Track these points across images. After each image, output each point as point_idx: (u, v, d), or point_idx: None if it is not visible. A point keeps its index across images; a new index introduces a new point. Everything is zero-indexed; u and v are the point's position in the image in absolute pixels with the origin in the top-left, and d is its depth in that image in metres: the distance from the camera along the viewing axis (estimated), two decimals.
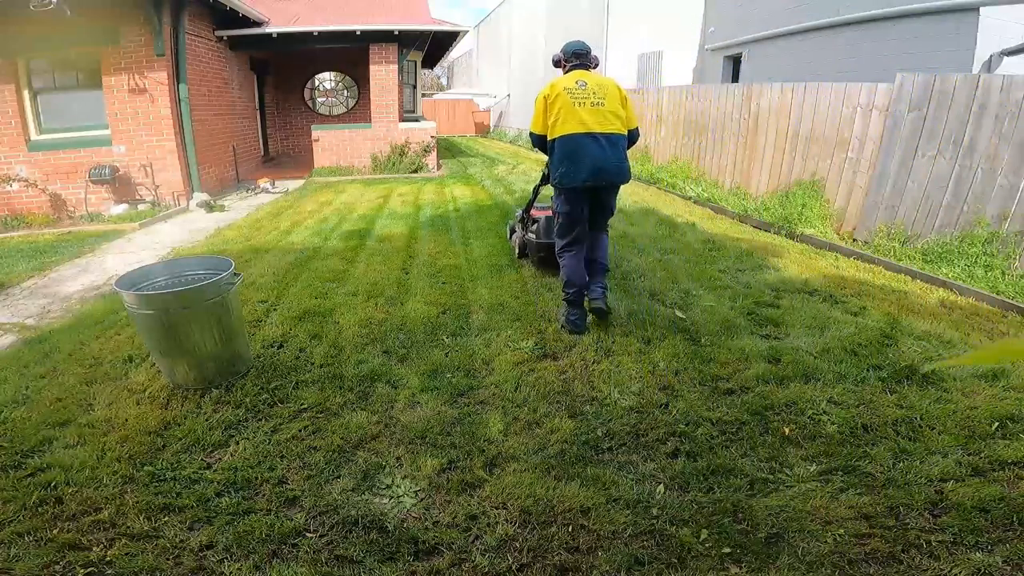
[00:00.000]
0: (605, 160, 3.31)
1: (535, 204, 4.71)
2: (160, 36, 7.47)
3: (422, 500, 2.12)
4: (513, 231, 5.22)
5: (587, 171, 3.30)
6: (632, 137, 3.55)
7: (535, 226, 4.56)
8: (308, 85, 14.09)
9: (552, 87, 3.41)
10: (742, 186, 7.72)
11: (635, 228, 6.26)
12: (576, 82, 3.38)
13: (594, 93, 3.36)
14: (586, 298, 3.56)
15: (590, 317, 3.60)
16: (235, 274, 2.92)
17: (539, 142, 3.56)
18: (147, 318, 2.71)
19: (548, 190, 3.81)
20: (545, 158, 3.64)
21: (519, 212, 4.98)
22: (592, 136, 3.30)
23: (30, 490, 2.13)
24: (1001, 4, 6.28)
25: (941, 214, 4.91)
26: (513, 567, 1.81)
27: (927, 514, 1.98)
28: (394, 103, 10.92)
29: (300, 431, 2.53)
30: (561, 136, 3.35)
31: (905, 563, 1.79)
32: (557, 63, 3.64)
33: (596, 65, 3.61)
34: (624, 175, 3.44)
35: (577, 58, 3.54)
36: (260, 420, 2.62)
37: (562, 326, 3.56)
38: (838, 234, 5.90)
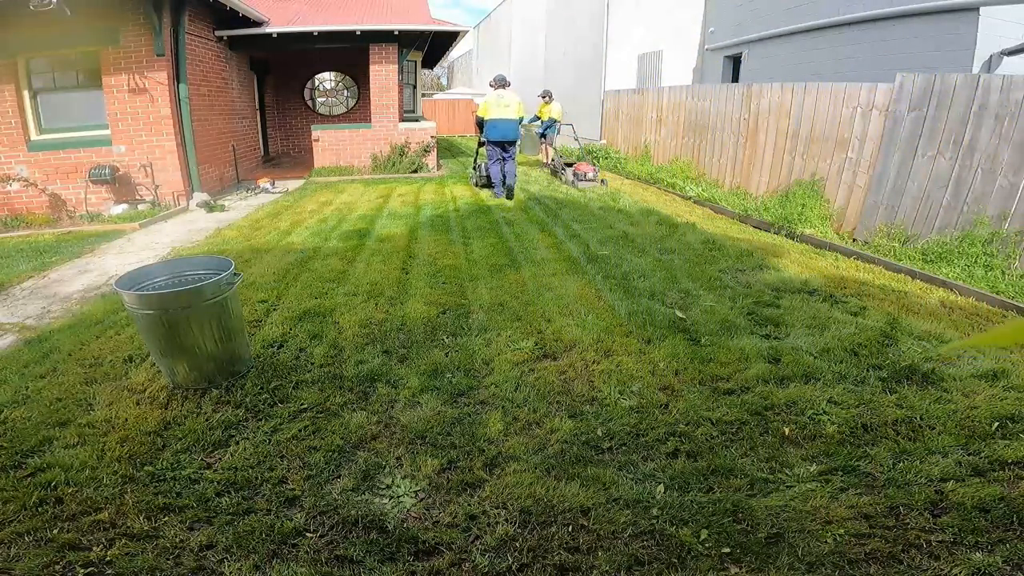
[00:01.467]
0: (507, 129, 7.89)
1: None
2: (160, 36, 7.47)
3: (422, 500, 2.12)
4: (471, 177, 9.77)
5: (499, 134, 7.88)
6: (520, 120, 8.09)
7: (481, 169, 9.09)
8: (308, 85, 14.08)
9: (488, 98, 7.89)
10: (742, 186, 7.72)
11: (635, 228, 6.26)
12: (498, 95, 7.86)
13: (506, 102, 7.84)
14: (504, 192, 8.18)
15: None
16: (235, 274, 2.92)
17: (480, 122, 8.07)
18: (147, 318, 2.71)
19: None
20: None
21: (472, 167, 9.78)
22: (502, 119, 7.84)
23: (30, 490, 2.13)
24: (1001, 4, 6.28)
25: (941, 214, 4.91)
26: (513, 567, 1.81)
27: (927, 514, 1.98)
28: (394, 103, 10.91)
29: (300, 431, 2.53)
30: (490, 119, 7.88)
31: (905, 563, 1.79)
32: (492, 85, 8.04)
33: (509, 84, 8.08)
34: (514, 136, 8.02)
35: (500, 83, 7.97)
36: (260, 420, 2.62)
37: (494, 195, 8.30)
38: (838, 234, 5.90)
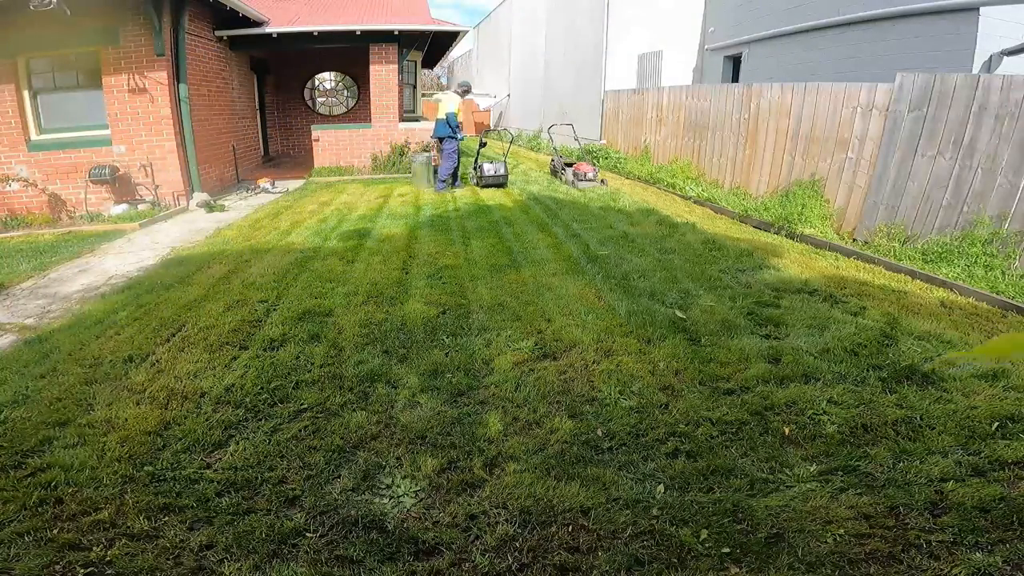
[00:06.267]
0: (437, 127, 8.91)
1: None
2: (160, 36, 7.46)
3: (422, 500, 2.12)
4: (471, 177, 9.95)
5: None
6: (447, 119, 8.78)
7: (482, 169, 9.32)
8: (308, 85, 14.08)
9: (464, 105, 10.26)
10: (742, 186, 7.72)
11: (635, 228, 6.26)
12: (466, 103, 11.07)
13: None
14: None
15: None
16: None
17: (454, 119, 8.66)
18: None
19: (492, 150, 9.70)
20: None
21: (472, 167, 9.92)
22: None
23: (30, 490, 2.13)
24: (1001, 4, 6.27)
25: (941, 214, 4.91)
26: (513, 567, 1.81)
27: (927, 514, 1.98)
28: (394, 103, 10.91)
29: (300, 431, 2.53)
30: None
31: (905, 563, 1.79)
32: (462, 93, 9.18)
33: (462, 90, 9.27)
34: (441, 132, 8.86)
35: (462, 87, 9.16)
36: (260, 420, 2.62)
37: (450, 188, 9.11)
38: (838, 234, 5.90)
